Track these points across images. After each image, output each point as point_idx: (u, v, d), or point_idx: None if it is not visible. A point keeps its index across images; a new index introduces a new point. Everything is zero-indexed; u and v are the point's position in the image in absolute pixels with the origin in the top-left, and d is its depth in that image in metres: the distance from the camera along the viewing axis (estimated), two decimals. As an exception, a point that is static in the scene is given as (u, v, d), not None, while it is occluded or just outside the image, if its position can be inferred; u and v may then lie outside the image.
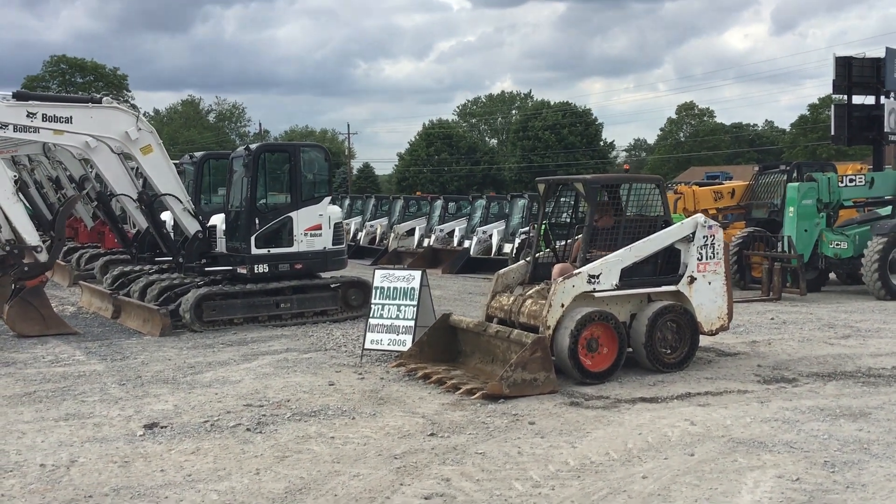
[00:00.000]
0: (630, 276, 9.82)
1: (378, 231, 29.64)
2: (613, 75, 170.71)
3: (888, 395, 8.72)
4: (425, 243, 26.66)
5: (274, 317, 14.12)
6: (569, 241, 10.90)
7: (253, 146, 14.42)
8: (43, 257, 13.28)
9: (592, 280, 9.53)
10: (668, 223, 10.33)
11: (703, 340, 10.58)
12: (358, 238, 29.55)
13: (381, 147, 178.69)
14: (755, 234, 18.38)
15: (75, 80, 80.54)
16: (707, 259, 10.21)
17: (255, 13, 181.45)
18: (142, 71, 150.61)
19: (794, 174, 19.69)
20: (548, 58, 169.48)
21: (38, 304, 13.26)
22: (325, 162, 14.98)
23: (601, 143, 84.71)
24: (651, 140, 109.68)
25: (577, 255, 10.15)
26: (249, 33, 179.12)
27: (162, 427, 7.97)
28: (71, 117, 13.10)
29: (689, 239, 10.15)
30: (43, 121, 12.88)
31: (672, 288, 10.07)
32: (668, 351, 9.95)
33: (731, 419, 7.86)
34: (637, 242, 9.90)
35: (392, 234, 27.99)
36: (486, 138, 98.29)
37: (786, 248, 16.78)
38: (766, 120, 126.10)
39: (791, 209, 17.00)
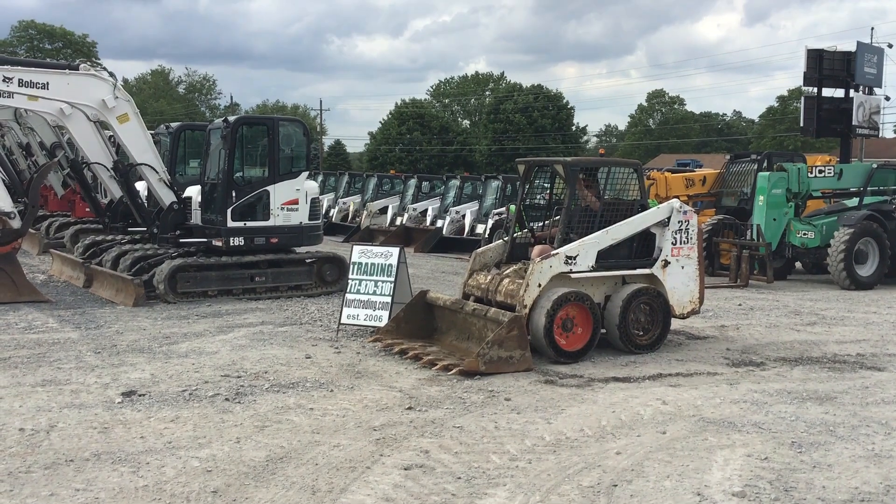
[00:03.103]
0: (606, 258, 9.97)
1: (351, 208, 29.60)
2: (587, 60, 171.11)
3: (853, 380, 8.97)
4: (398, 222, 26.70)
5: (248, 290, 14.13)
6: (546, 222, 11.03)
7: (231, 118, 14.37)
8: (16, 224, 13.17)
9: (569, 261, 9.67)
10: (644, 207, 10.48)
11: (674, 324, 10.78)
12: (331, 215, 29.48)
13: (353, 124, 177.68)
14: (725, 222, 18.67)
15: (44, 46, 79.19)
16: (681, 244, 10.39)
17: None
18: (112, 39, 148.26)
19: (765, 164, 19.97)
20: (522, 41, 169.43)
21: (11, 270, 13.16)
22: (304, 137, 14.93)
23: (573, 128, 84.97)
24: (622, 126, 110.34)
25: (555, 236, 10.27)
26: (223, 5, 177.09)
27: (140, 395, 8.01)
28: (47, 83, 12.99)
29: (664, 223, 10.32)
30: (19, 86, 12.77)
31: (646, 271, 10.25)
32: (641, 332, 10.14)
33: (701, 399, 8.06)
34: (614, 225, 10.05)
35: (365, 212, 27.98)
36: (459, 119, 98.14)
37: (754, 237, 17.07)
38: (735, 110, 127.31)
39: (761, 198, 17.27)
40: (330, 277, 14.86)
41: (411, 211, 26.62)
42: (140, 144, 14.03)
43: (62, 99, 13.37)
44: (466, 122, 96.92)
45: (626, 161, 11.46)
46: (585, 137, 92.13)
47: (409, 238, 24.52)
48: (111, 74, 13.93)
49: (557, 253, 9.67)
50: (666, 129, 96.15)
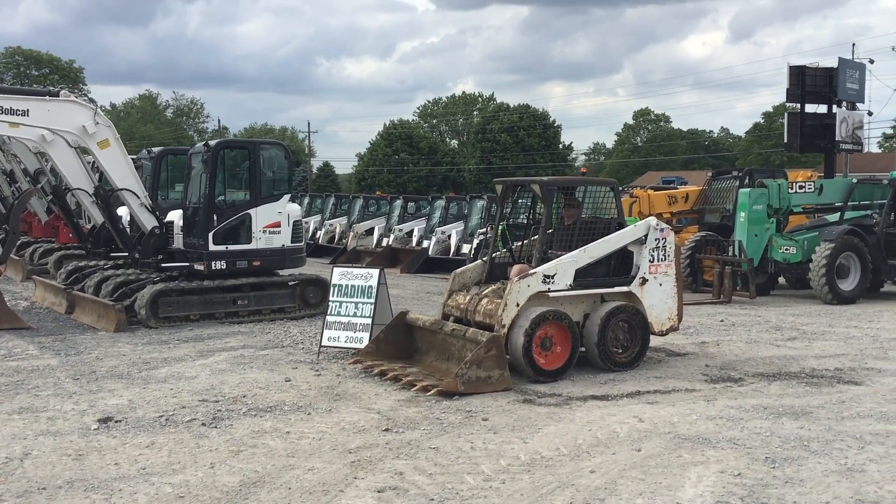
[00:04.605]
0: (584, 276, 10.01)
1: (337, 230, 29.61)
2: (574, 79, 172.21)
3: (830, 395, 9.01)
4: (384, 243, 26.72)
5: (231, 314, 14.10)
6: (525, 241, 11.07)
7: (212, 142, 14.39)
8: (-4, 251, 13.14)
9: (547, 280, 9.71)
10: (621, 225, 10.54)
11: (654, 341, 10.81)
12: (317, 237, 29.50)
13: (342, 146, 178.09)
14: (707, 239, 18.76)
15: (31, 72, 79.26)
16: (658, 261, 10.44)
17: (217, 9, 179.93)
18: (99, 64, 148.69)
19: (746, 180, 20.10)
20: (510, 61, 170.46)
21: (-9, 297, 13.13)
22: (285, 160, 14.97)
23: (560, 146, 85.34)
24: (609, 144, 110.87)
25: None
26: (211, 28, 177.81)
27: (116, 421, 7.98)
28: (28, 110, 12.98)
29: (641, 241, 10.37)
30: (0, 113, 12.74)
31: (624, 289, 10.29)
32: (620, 350, 10.16)
33: (677, 416, 8.08)
34: (591, 244, 10.09)
35: (351, 233, 28.02)
36: (447, 139, 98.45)
37: (737, 253, 17.17)
38: (722, 127, 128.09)
39: (742, 214, 17.39)
40: (313, 300, 14.85)
41: (397, 232, 26.66)
42: (121, 170, 14.02)
43: (43, 125, 13.35)
44: (454, 143, 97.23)
45: (604, 180, 11.54)
46: (573, 155, 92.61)
47: (396, 259, 24.56)
48: (91, 100, 13.91)
49: (535, 272, 9.71)
50: (653, 146, 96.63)
